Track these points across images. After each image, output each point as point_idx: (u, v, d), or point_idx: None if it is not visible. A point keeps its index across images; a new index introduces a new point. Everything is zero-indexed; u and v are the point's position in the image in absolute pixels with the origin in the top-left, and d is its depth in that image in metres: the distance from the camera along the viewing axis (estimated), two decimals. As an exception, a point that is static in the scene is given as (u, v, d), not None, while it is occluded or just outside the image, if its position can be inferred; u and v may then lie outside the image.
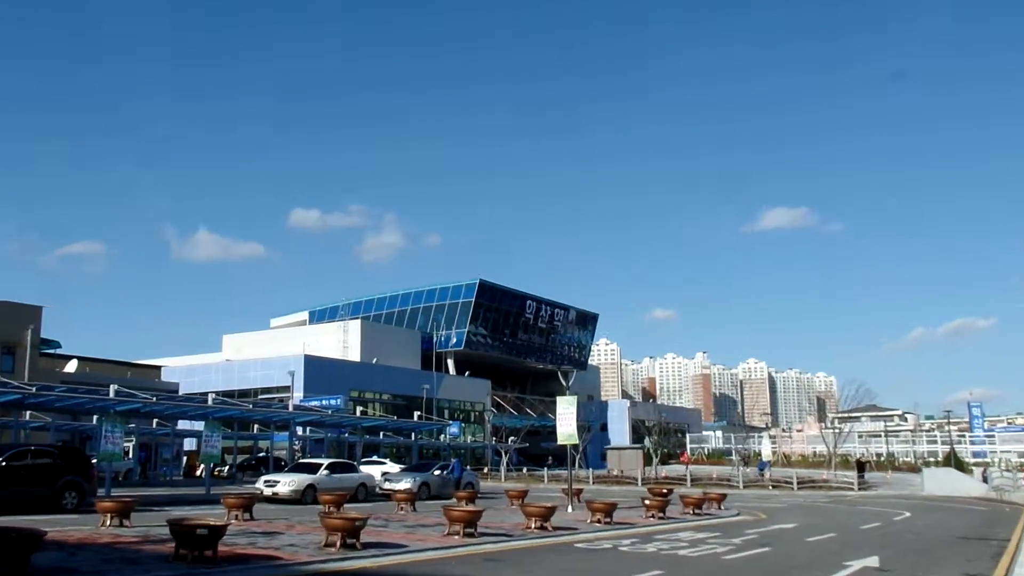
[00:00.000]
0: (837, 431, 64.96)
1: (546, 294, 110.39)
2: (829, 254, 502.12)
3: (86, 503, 23.80)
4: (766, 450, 66.92)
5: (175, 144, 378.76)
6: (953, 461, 63.49)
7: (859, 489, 48.95)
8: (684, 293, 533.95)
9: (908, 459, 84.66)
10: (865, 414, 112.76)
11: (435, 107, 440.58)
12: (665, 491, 33.25)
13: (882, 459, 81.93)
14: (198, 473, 50.10)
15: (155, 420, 48.70)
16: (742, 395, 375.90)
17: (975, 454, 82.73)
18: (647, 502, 26.85)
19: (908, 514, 31.32)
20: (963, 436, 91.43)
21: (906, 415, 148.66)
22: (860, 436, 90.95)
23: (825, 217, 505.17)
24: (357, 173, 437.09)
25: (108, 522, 18.81)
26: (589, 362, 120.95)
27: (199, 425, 42.22)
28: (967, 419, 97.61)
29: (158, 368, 73.78)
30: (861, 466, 58.82)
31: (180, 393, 57.33)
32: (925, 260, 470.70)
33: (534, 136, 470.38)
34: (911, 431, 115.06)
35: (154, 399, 34.47)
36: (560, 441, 29.34)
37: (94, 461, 28.33)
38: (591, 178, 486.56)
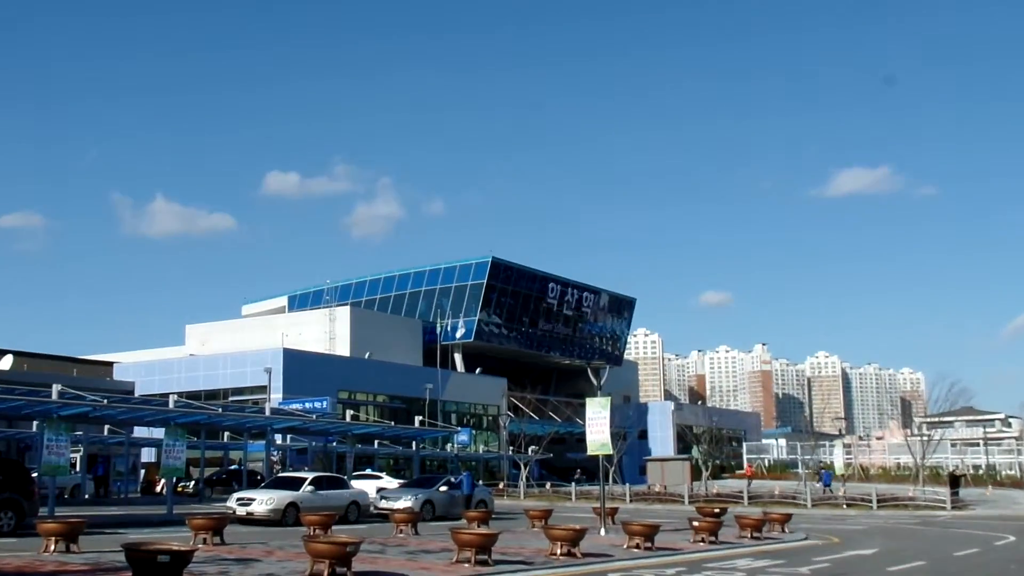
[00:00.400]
0: (925, 439, 64.86)
1: (573, 275, 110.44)
2: (916, 224, 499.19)
3: (25, 524, 24.02)
4: (838, 461, 66.81)
5: (124, 96, 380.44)
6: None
7: (952, 508, 48.88)
8: (739, 274, 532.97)
9: (1012, 472, 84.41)
10: (960, 418, 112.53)
11: (437, 50, 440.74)
12: (717, 510, 33.30)
13: (980, 472, 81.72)
14: (158, 489, 50.48)
15: (107, 426, 49.05)
16: (810, 396, 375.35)
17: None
18: (695, 524, 26.89)
19: (1012, 538, 31.24)
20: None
21: (1010, 419, 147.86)
22: (954, 445, 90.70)
23: (913, 179, 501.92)
24: (344, 128, 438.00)
25: (52, 547, 18.99)
26: (625, 356, 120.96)
27: (159, 432, 42.43)
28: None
29: (110, 364, 74.36)
30: (955, 481, 58.68)
31: (136, 394, 57.70)
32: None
33: (556, 88, 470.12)
34: (1016, 439, 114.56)
35: (105, 402, 34.56)
36: (590, 451, 29.39)
37: (35, 475, 28.58)
38: (625, 138, 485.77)
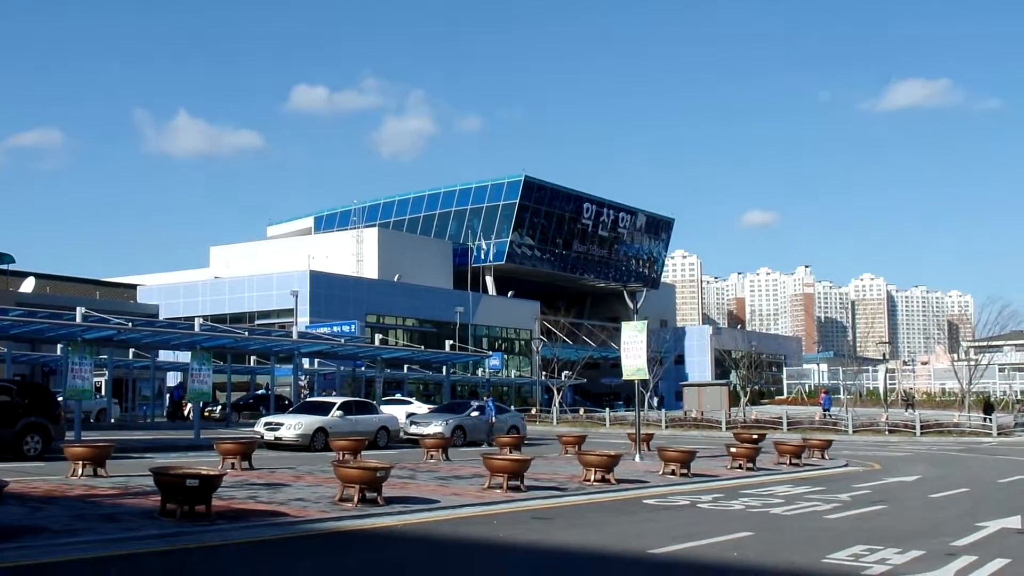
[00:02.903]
0: (973, 364, 64.58)
1: (609, 194, 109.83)
2: (973, 139, 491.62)
3: (51, 448, 24.58)
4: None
5: (145, 7, 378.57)
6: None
7: (999, 435, 48.91)
8: (784, 193, 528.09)
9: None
10: (1009, 343, 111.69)
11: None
12: (755, 437, 33.50)
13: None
14: (185, 413, 51.32)
15: (131, 350, 49.73)
16: (853, 319, 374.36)
17: None
18: (733, 450, 27.12)
19: (1060, 466, 31.28)
20: None
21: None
22: (1002, 370, 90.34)
23: (974, 92, 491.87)
24: (373, 38, 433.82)
25: (79, 471, 19.41)
26: (662, 279, 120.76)
27: (184, 356, 43.07)
28: None
29: (133, 287, 75.13)
30: (990, 407, 58.69)
31: (160, 318, 58.37)
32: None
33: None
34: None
35: (130, 325, 34.96)
36: (626, 376, 29.55)
37: (60, 399, 29.12)
38: (666, 48, 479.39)
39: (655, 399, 77.06)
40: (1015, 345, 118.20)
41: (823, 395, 63.93)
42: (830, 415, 58.04)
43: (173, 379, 60.89)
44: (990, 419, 52.92)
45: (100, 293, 66.60)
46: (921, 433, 49.44)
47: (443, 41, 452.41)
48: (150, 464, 18.68)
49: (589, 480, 21.23)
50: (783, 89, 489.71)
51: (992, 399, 60.57)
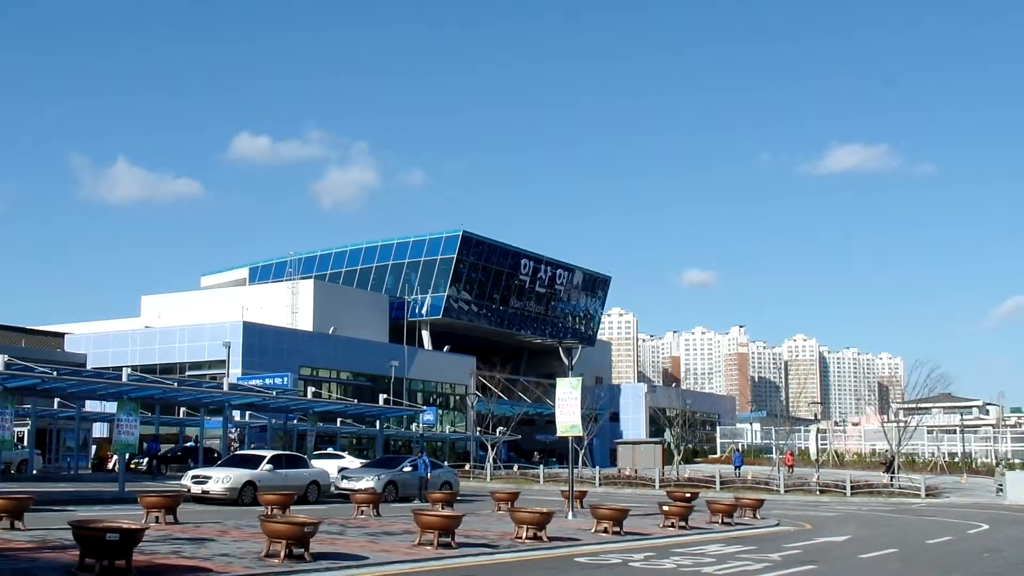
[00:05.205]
0: (902, 425, 65.46)
1: (551, 249, 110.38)
2: (909, 204, 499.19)
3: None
4: (813, 447, 67.33)
5: (85, 51, 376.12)
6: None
7: (927, 496, 49.50)
8: (721, 253, 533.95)
9: (988, 460, 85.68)
10: (937, 405, 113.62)
11: (423, 10, 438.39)
12: (688, 495, 33.59)
13: (956, 460, 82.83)
14: (110, 466, 50.31)
15: (56, 400, 48.77)
16: (786, 380, 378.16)
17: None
18: (665, 508, 27.10)
19: (985, 527, 31.65)
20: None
21: (988, 407, 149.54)
22: (930, 432, 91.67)
23: (913, 157, 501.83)
24: (319, 88, 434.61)
25: (-4, 524, 18.90)
26: (598, 337, 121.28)
27: (111, 407, 42.29)
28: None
29: (60, 336, 73.75)
30: (889, 466, 59.41)
31: (88, 367, 57.39)
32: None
33: (542, 53, 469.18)
34: (992, 426, 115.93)
35: (55, 374, 34.46)
36: (560, 433, 29.48)
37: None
38: (608, 106, 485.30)
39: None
40: (943, 407, 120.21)
41: (735, 453, 64.55)
42: (739, 473, 58.78)
43: (99, 430, 59.74)
44: (891, 478, 53.86)
45: (26, 341, 65.27)
46: (852, 493, 49.90)
47: (390, 92, 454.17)
48: (71, 517, 18.20)
49: (521, 537, 21.07)
50: (724, 149, 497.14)
51: (893, 457, 61.19)
